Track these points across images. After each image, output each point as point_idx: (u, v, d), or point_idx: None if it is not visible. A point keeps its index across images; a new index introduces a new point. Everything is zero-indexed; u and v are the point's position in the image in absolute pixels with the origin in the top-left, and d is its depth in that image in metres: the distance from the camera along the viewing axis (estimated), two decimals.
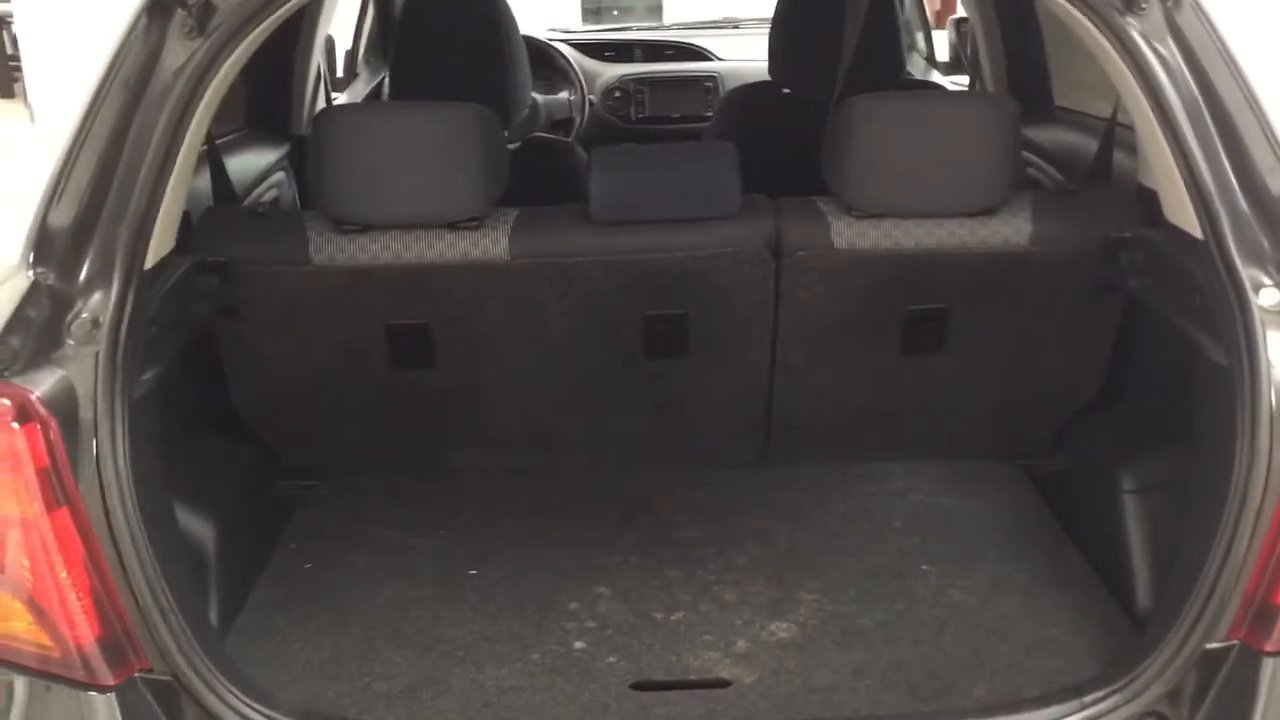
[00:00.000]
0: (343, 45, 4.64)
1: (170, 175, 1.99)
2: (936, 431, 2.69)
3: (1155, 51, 1.98)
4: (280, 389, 2.54)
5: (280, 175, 3.33)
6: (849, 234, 2.34)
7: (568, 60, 4.82)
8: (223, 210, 2.45)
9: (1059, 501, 2.60)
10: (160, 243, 2.01)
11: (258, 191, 3.18)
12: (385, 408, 2.59)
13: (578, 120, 4.77)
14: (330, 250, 2.30)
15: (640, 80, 4.91)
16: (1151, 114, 1.98)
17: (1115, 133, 2.56)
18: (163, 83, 1.99)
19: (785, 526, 2.56)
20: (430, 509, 2.65)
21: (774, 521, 2.58)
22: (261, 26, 2.07)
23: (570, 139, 4.72)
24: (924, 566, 2.39)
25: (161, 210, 1.98)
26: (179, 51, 2.01)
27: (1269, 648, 1.80)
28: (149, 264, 1.96)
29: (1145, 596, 2.16)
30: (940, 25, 4.94)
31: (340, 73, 4.54)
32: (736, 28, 5.54)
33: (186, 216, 2.35)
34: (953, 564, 2.40)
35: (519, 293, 2.39)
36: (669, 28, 5.81)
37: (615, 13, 5.96)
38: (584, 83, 4.82)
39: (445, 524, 2.60)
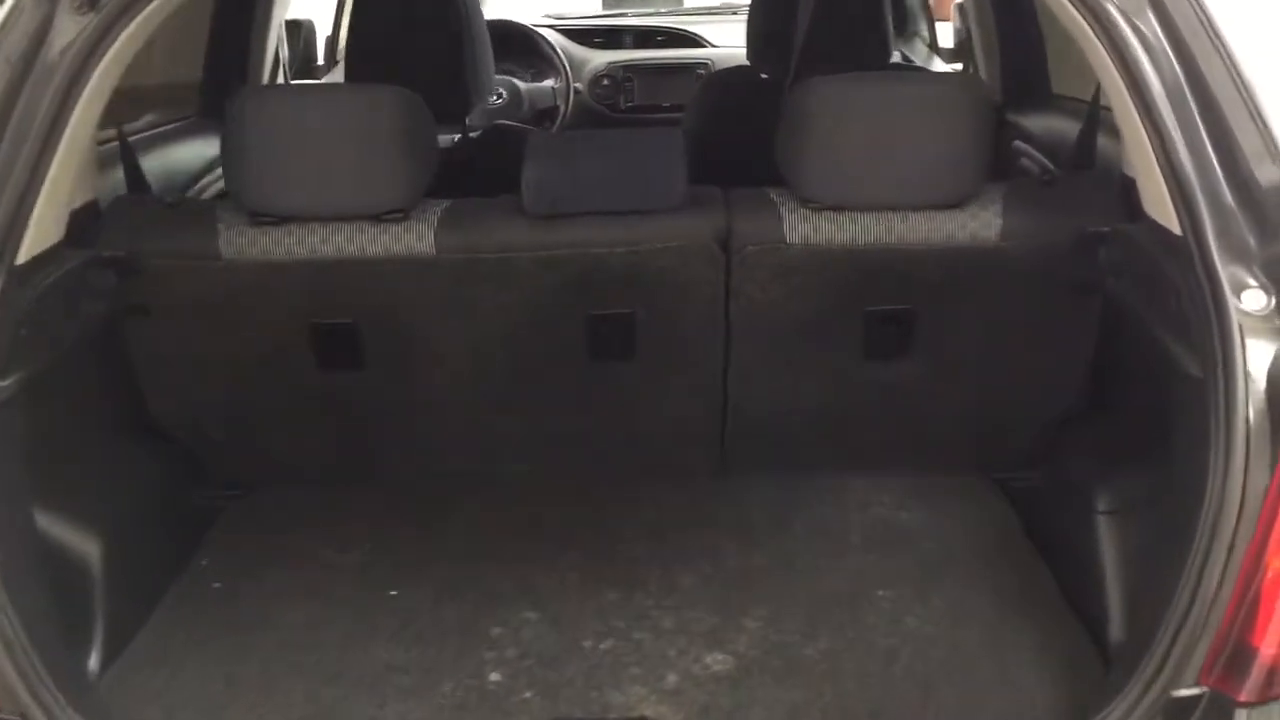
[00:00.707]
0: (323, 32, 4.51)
1: (51, 162, 1.83)
2: (902, 442, 2.49)
3: (1134, 28, 1.79)
4: (198, 393, 2.38)
5: None
6: (803, 228, 2.15)
7: (553, 47, 4.64)
8: (130, 201, 2.29)
9: (1032, 518, 2.39)
10: (40, 235, 1.86)
11: (205, 181, 3.03)
12: (313, 412, 2.43)
13: (562, 108, 4.59)
14: (241, 244, 2.14)
15: (629, 67, 4.73)
16: (1129, 97, 1.79)
17: (1101, 117, 2.35)
18: (49, 61, 1.84)
19: (736, 544, 2.37)
20: (359, 521, 2.48)
21: (725, 539, 2.39)
22: (156, 3, 1.91)
23: (554, 128, 4.55)
24: (879, 591, 2.20)
25: (41, 200, 1.82)
26: (69, 27, 1.86)
27: (1243, 697, 1.60)
28: (22, 259, 1.80)
29: (1118, 630, 1.96)
30: (943, 14, 4.72)
31: (321, 60, 4.40)
32: (735, 14, 5.34)
33: (93, 207, 2.20)
34: (910, 588, 2.20)
35: (449, 290, 2.22)
36: (682, 13, 5.59)
37: None
38: (569, 70, 4.64)
39: (373, 537, 2.42)
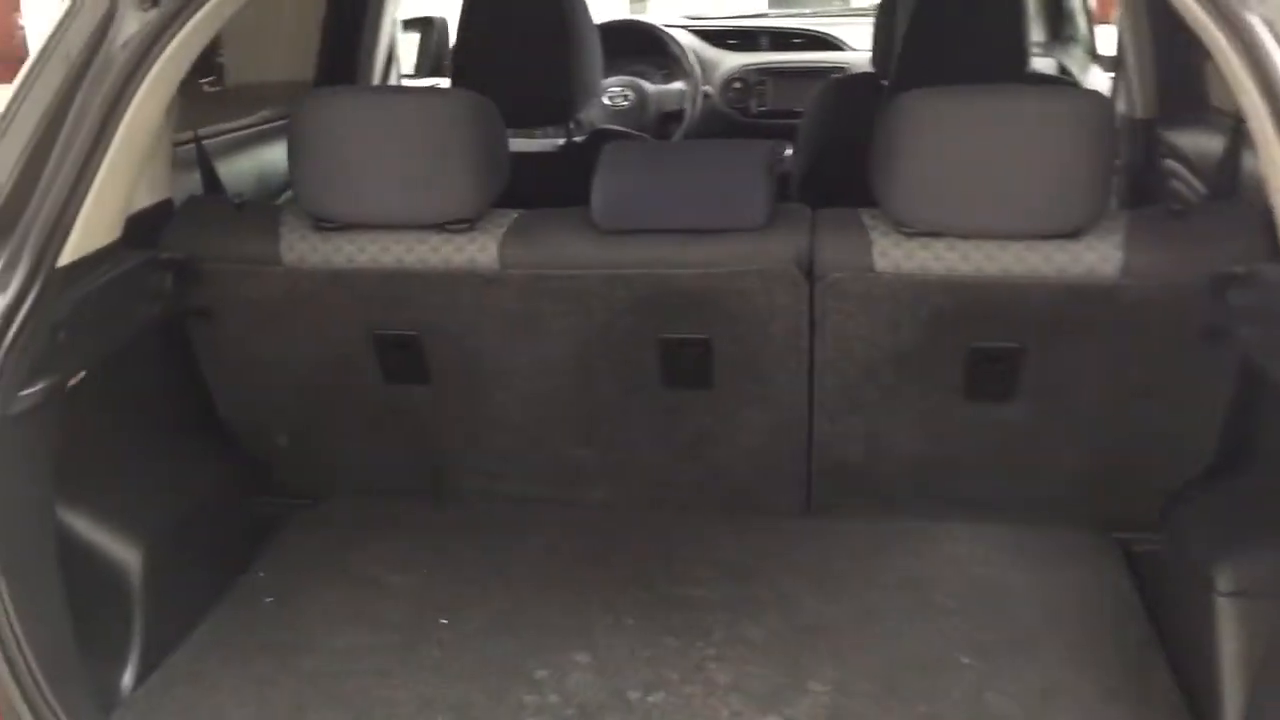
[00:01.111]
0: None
1: (102, 161, 1.78)
2: (1010, 491, 2.26)
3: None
4: (264, 398, 2.32)
5: None
6: (895, 255, 1.96)
7: (683, 48, 4.49)
8: (199, 202, 2.24)
9: (1153, 589, 2.13)
10: (90, 236, 1.81)
11: None
12: (380, 425, 2.34)
13: (688, 111, 4.44)
14: (303, 250, 2.07)
15: (763, 71, 4.54)
16: (1269, 121, 1.54)
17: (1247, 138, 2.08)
18: (108, 58, 1.79)
19: (815, 595, 2.18)
20: (422, 540, 2.38)
21: (803, 586, 2.20)
22: (215, 1, 1.84)
23: (679, 131, 4.41)
24: (965, 659, 1.98)
25: (90, 199, 1.78)
26: (131, 22, 1.81)
27: None
28: (68, 259, 1.75)
29: None
30: (1103, 18, 4.38)
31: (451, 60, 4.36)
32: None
33: (165, 208, 2.17)
34: (1001, 659, 1.97)
35: (514, 307, 2.10)
36: (849, 14, 5.36)
37: None
38: (699, 72, 4.48)
39: (433, 559, 2.32)
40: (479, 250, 2.04)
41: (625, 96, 4.36)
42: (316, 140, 2.02)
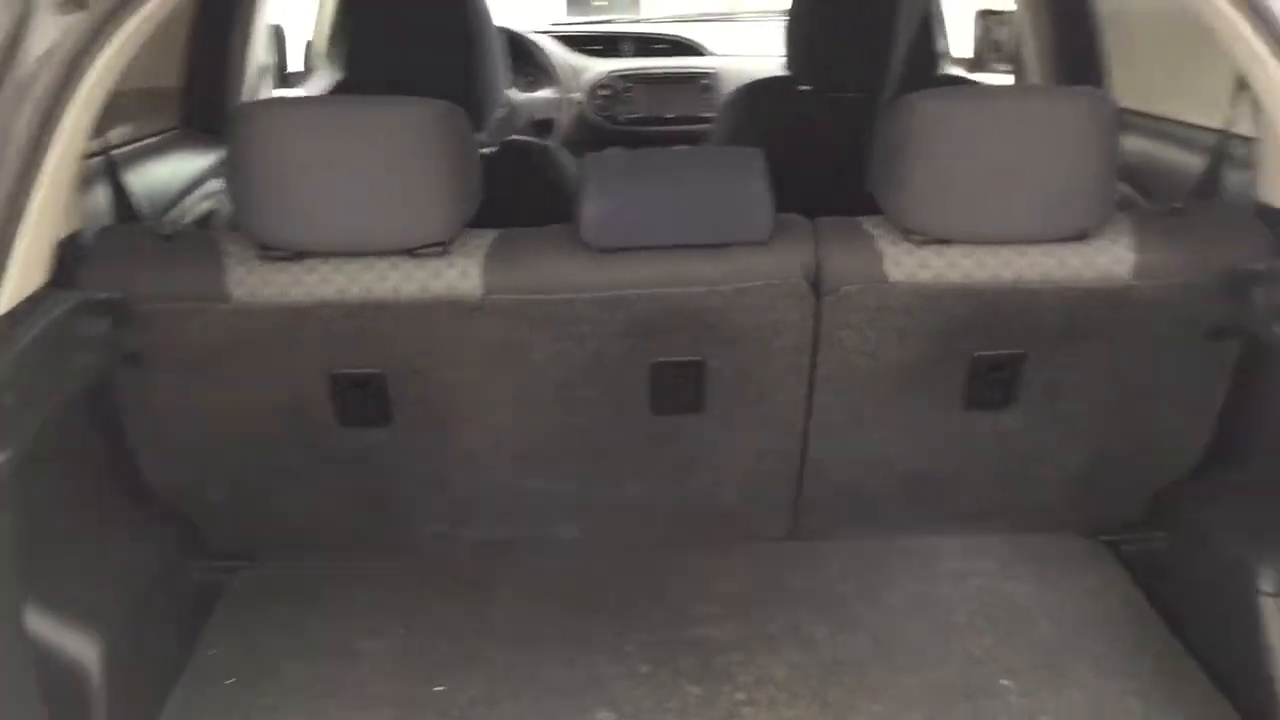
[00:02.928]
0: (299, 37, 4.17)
1: (34, 189, 1.51)
2: (1000, 500, 2.22)
3: None
4: (197, 452, 2.04)
5: (216, 184, 2.83)
6: (908, 264, 1.88)
7: (548, 55, 4.34)
8: (120, 231, 1.96)
9: (1159, 590, 2.13)
10: (23, 277, 1.53)
11: (188, 202, 2.69)
12: (330, 473, 2.10)
13: (557, 120, 4.29)
14: (254, 283, 1.82)
15: (630, 77, 4.43)
16: None
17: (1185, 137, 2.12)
18: (25, 72, 1.51)
19: (827, 624, 2.08)
20: (389, 599, 2.15)
21: (813, 616, 2.10)
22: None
23: (550, 141, 4.25)
24: (1003, 681, 1.92)
25: (24, 235, 1.50)
26: (50, 29, 1.54)
27: None
28: (4, 307, 1.47)
29: None
30: None
31: (304, 67, 4.06)
32: (705, 20, 5.07)
33: (77, 240, 1.87)
34: (1038, 677, 1.92)
35: (496, 337, 1.91)
36: (662, 21, 5.32)
37: (596, 3, 5.50)
38: (566, 79, 4.34)
39: (407, 619, 2.10)
40: (460, 275, 1.84)
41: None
42: (264, 158, 1.77)
